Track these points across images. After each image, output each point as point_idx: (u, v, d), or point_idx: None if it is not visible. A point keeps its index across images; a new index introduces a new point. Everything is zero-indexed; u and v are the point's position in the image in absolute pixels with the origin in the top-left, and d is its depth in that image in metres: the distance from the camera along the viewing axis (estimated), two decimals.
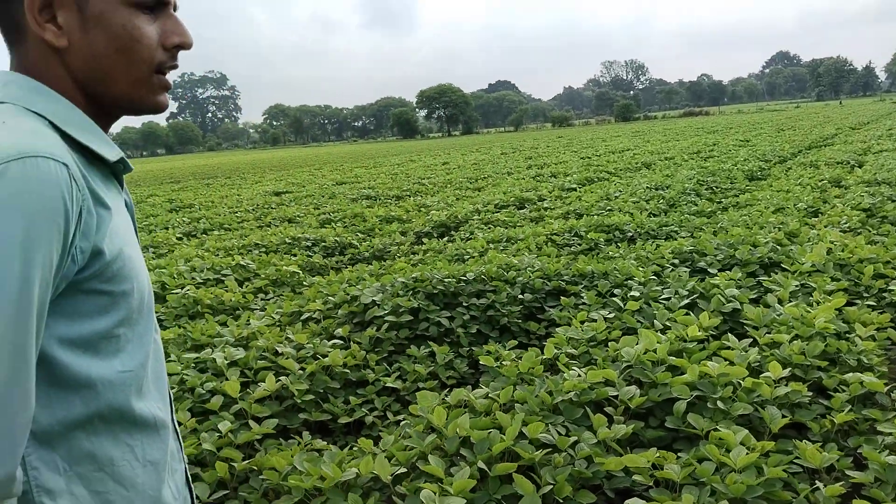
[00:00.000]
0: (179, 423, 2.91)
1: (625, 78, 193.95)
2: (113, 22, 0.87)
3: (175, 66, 0.94)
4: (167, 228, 10.09)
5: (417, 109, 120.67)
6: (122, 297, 0.87)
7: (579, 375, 2.87)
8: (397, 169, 22.19)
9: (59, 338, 0.81)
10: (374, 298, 4.23)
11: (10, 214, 0.72)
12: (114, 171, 0.94)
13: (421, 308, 4.11)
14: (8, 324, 0.72)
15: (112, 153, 0.90)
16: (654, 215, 7.80)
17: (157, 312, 4.78)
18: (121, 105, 0.93)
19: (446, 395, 2.94)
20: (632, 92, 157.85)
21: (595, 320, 3.67)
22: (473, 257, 6.13)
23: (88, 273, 0.82)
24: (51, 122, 0.85)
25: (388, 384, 3.41)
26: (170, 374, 3.37)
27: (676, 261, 4.81)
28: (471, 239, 7.43)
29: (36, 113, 0.84)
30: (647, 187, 9.82)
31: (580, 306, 4.11)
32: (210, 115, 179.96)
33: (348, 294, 4.44)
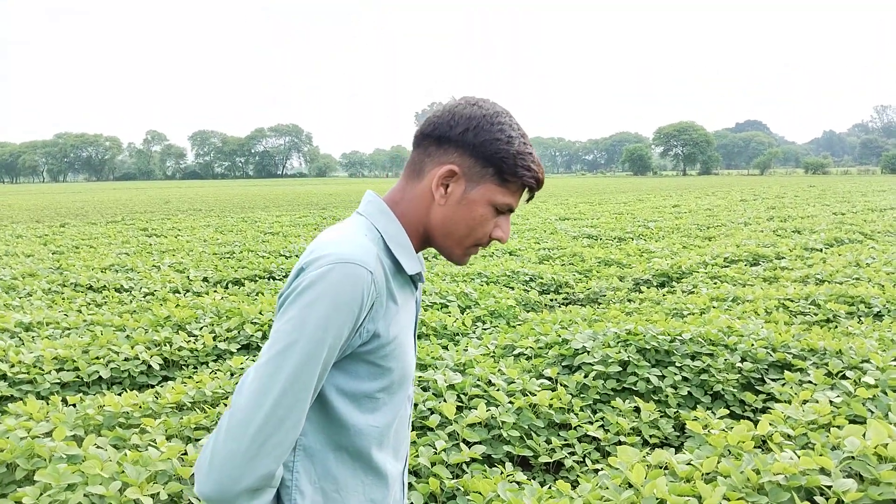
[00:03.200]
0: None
1: None
2: (477, 209, 1.22)
3: (486, 247, 1.32)
4: None
5: (654, 146, 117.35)
6: (388, 371, 1.19)
7: (791, 458, 2.76)
8: (623, 208, 21.87)
9: (336, 386, 1.17)
10: (584, 344, 4.36)
11: (326, 297, 1.07)
12: (412, 278, 1.29)
13: (630, 361, 4.16)
14: (294, 369, 1.07)
15: (412, 268, 1.24)
16: None
17: None
18: (440, 248, 1.28)
19: (648, 454, 2.99)
20: None
21: (819, 401, 3.45)
22: (693, 314, 5.97)
23: (368, 348, 1.16)
24: (382, 237, 1.22)
25: (590, 432, 3.52)
26: None
27: None
28: (693, 293, 7.21)
29: (376, 228, 1.22)
30: None
31: (805, 384, 3.87)
32: None
33: (560, 336, 4.62)
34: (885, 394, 3.55)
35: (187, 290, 7.76)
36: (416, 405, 3.59)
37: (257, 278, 8.59)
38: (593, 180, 73.95)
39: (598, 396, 3.97)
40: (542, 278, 8.19)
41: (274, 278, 8.64)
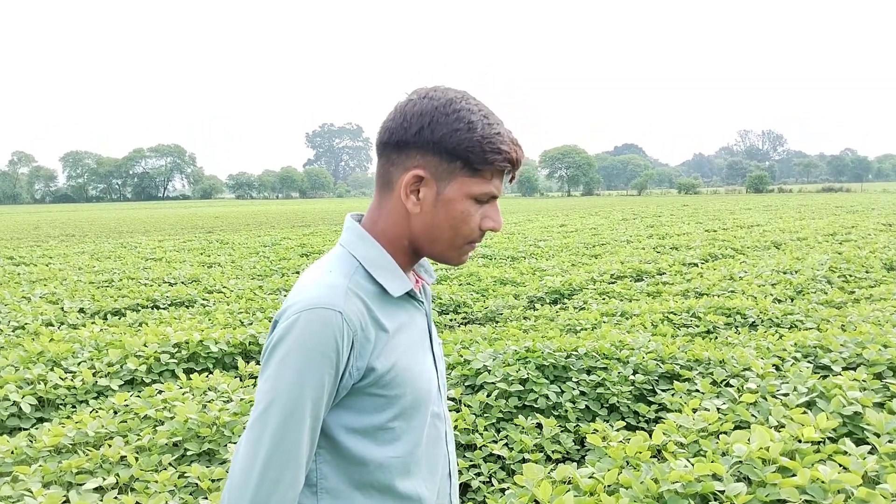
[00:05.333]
0: None
1: (760, 148, 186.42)
2: (456, 207, 1.14)
3: (481, 240, 1.22)
4: (297, 272, 10.78)
5: (540, 168, 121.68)
6: (396, 399, 1.13)
7: (686, 466, 2.89)
8: (514, 228, 22.48)
9: (345, 426, 1.12)
10: (485, 363, 4.41)
11: (296, 350, 1.04)
12: (411, 295, 1.22)
13: (530, 378, 4.25)
14: (276, 429, 1.02)
15: (398, 290, 1.17)
16: (780, 301, 7.52)
17: None
18: (433, 256, 1.22)
19: (552, 470, 3.04)
20: (767, 163, 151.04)
21: (707, 409, 3.66)
22: (586, 329, 6.19)
23: (365, 383, 1.11)
24: (361, 264, 1.16)
25: (494, 451, 3.55)
26: None
27: (798, 354, 4.66)
28: (584, 309, 7.48)
29: (355, 256, 1.17)
30: (775, 270, 9.47)
31: (693, 393, 4.09)
32: (343, 163, 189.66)
33: (461, 356, 4.65)
34: (765, 399, 3.80)
35: (62, 323, 7.20)
36: None
37: (140, 308, 8.10)
38: None
39: (501, 415, 4.02)
40: (440, 298, 8.23)
41: (158, 307, 8.18)
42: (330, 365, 1.05)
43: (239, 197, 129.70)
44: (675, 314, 6.52)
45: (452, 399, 4.12)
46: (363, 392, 1.12)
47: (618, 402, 4.17)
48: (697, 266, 10.94)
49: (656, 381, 4.40)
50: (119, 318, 7.38)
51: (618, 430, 3.69)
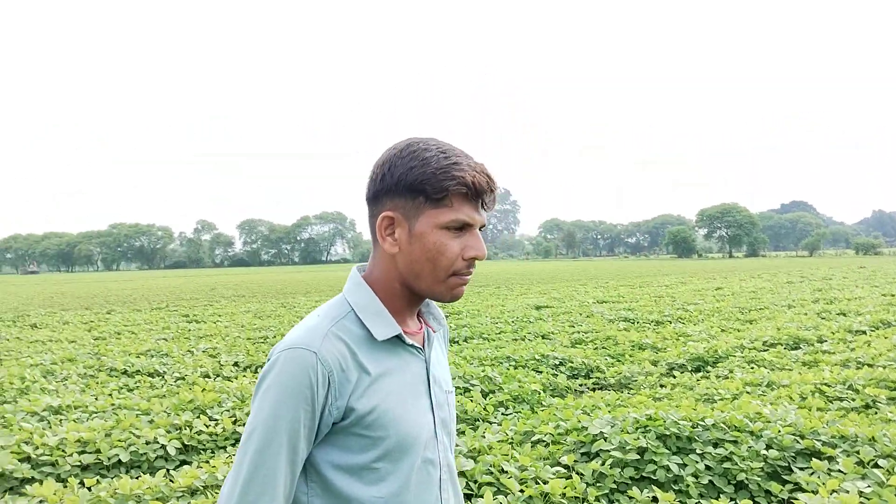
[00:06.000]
0: None
1: None
2: (427, 239, 1.20)
3: (470, 272, 1.26)
4: None
5: (697, 228, 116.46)
6: (379, 440, 1.18)
7: None
8: (664, 291, 21.54)
9: (331, 463, 1.18)
10: (602, 430, 4.25)
11: (274, 386, 1.13)
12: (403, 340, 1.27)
13: (649, 448, 4.03)
14: (253, 456, 1.12)
15: (383, 334, 1.22)
16: None
17: None
18: (425, 294, 1.26)
19: None
20: None
21: (847, 492, 3.27)
22: (724, 399, 5.77)
23: (347, 423, 1.17)
24: (353, 309, 1.24)
25: None
26: None
27: None
28: (728, 378, 6.98)
29: (348, 302, 1.25)
30: None
31: (834, 473, 3.68)
32: (491, 226, 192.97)
33: (579, 422, 4.51)
34: None
35: (217, 375, 7.86)
36: None
37: None
38: (636, 263, 73.33)
39: (614, 485, 3.83)
40: (572, 362, 8.06)
41: None
42: (305, 401, 1.12)
43: None
44: (829, 386, 5.91)
45: (565, 466, 3.99)
46: (347, 432, 1.17)
47: (747, 478, 3.83)
48: (866, 334, 9.85)
49: (793, 458, 4.00)
50: None
51: None
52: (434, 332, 1.37)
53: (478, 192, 1.20)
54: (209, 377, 7.69)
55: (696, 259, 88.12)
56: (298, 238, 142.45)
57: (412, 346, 1.28)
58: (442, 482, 1.29)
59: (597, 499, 3.68)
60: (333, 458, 1.18)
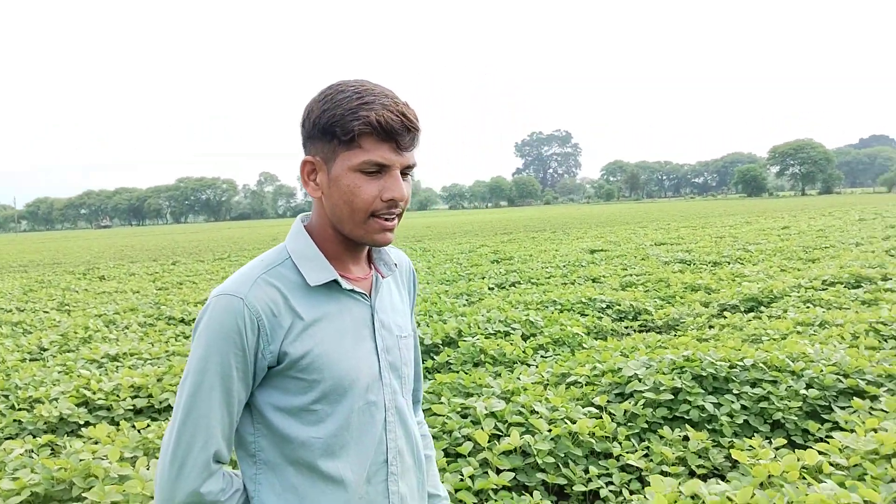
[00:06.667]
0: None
1: None
2: (342, 182, 1.19)
3: (392, 215, 1.23)
4: (483, 278, 11.06)
5: (768, 166, 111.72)
6: (315, 383, 1.20)
7: (832, 489, 2.54)
8: (726, 231, 20.91)
9: (272, 404, 1.22)
10: (636, 372, 4.21)
11: (204, 331, 1.17)
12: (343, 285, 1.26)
13: (684, 388, 3.97)
14: (186, 399, 1.16)
15: (316, 280, 1.23)
16: None
17: (448, 357, 5.38)
18: (353, 239, 1.25)
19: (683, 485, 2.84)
20: None
21: (886, 430, 3.16)
22: (774, 340, 5.62)
23: (282, 366, 1.20)
24: (290, 256, 1.25)
25: (631, 461, 3.39)
26: (436, 415, 3.83)
27: None
28: (779, 318, 6.78)
29: (287, 248, 1.26)
30: None
31: (876, 412, 3.55)
32: (551, 170, 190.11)
33: (616, 364, 4.48)
34: None
35: None
36: (450, 432, 3.58)
37: None
38: (702, 204, 71.16)
39: (646, 425, 3.81)
40: (619, 305, 7.96)
41: None
42: (234, 345, 1.15)
43: (451, 207, 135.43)
44: (885, 324, 5.66)
45: (597, 407, 3.99)
46: (284, 375, 1.20)
47: (783, 418, 3.75)
48: None
49: (834, 397, 3.88)
50: None
51: (777, 448, 3.33)
52: (384, 277, 1.36)
53: (387, 131, 1.15)
54: None
55: (767, 198, 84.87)
56: None
57: (353, 291, 1.28)
58: (388, 423, 1.30)
59: (627, 438, 3.67)
60: (274, 399, 1.21)
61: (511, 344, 5.71)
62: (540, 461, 3.35)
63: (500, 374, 4.84)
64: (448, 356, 5.40)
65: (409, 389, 1.39)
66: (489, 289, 10.08)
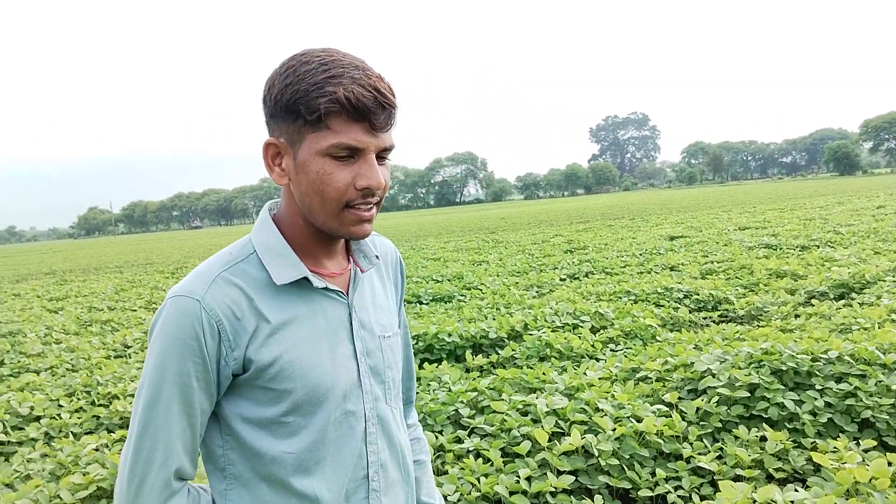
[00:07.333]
0: (489, 461, 3.22)
1: None
2: (310, 169, 1.04)
3: (369, 203, 1.10)
4: (555, 269, 10.84)
5: (861, 141, 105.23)
6: (286, 393, 1.08)
7: None
8: (817, 213, 19.75)
9: (240, 416, 1.10)
10: (710, 366, 3.97)
11: (159, 337, 1.05)
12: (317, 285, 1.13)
13: (762, 384, 3.72)
14: (142, 412, 1.05)
15: (282, 277, 1.09)
16: None
17: (513, 351, 5.26)
18: (325, 231, 1.11)
19: (755, 491, 2.64)
20: None
21: None
22: (865, 329, 5.21)
23: (249, 375, 1.07)
24: (255, 250, 1.12)
25: (701, 463, 3.19)
26: (495, 412, 3.73)
27: None
28: (872, 305, 6.29)
29: (252, 241, 1.13)
30: None
31: None
32: (629, 155, 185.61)
33: (688, 357, 4.25)
34: None
35: None
36: (509, 430, 3.47)
37: (405, 303, 8.88)
38: (790, 184, 67.71)
39: (720, 424, 3.59)
40: (698, 294, 7.61)
41: (421, 302, 8.89)
42: (192, 352, 1.04)
43: (527, 197, 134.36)
44: None
45: (667, 404, 3.79)
46: (253, 385, 1.08)
47: (873, 416, 3.44)
48: None
49: None
50: None
51: (866, 451, 3.06)
52: (363, 271, 1.23)
53: (358, 110, 1.00)
54: None
55: (861, 176, 79.85)
56: (432, 181, 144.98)
57: (327, 289, 1.15)
58: (368, 435, 1.17)
59: (698, 438, 3.47)
60: (242, 410, 1.10)
61: (579, 337, 5.53)
62: (603, 462, 3.20)
63: (565, 370, 4.68)
64: (513, 350, 5.28)
65: (395, 394, 1.25)
66: (560, 280, 9.86)
